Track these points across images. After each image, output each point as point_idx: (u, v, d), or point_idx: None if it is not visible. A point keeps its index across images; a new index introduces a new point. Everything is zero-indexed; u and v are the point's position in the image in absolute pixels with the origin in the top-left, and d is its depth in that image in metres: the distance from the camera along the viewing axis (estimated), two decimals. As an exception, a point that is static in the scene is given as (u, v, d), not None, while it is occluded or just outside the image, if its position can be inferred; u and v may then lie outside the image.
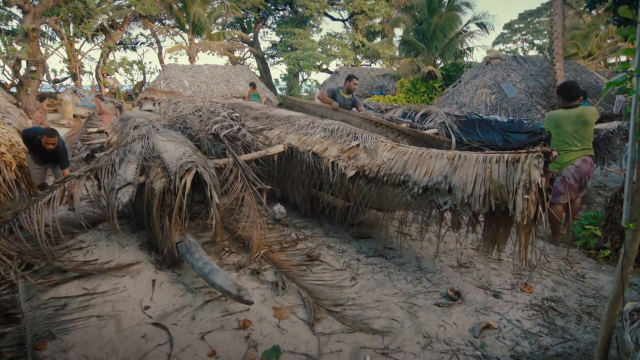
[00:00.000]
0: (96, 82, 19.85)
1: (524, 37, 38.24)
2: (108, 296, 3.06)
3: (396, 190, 3.50)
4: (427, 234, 4.39)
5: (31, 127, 5.41)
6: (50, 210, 3.49)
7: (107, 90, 18.46)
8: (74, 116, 14.00)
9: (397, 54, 21.29)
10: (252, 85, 13.89)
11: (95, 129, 7.01)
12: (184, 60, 40.88)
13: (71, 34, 17.75)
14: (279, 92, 24.81)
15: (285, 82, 24.69)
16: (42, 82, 17.06)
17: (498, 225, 3.05)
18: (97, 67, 19.57)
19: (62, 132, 11.55)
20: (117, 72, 20.35)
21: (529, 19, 37.39)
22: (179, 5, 20.90)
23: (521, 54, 30.07)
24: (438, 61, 17.17)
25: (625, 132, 5.36)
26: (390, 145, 3.87)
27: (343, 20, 28.54)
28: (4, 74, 16.54)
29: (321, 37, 27.15)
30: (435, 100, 14.42)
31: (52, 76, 19.20)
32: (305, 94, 22.21)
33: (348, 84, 6.20)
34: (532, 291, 3.21)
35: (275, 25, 27.54)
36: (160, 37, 23.93)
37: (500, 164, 2.85)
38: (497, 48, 38.20)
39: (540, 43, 33.06)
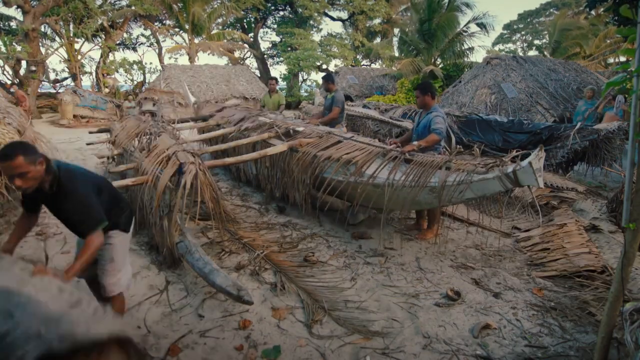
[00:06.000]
0: (96, 82, 19.84)
1: (524, 37, 38.24)
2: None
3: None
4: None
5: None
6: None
7: (107, 90, 18.45)
8: (74, 116, 13.98)
9: (397, 53, 21.28)
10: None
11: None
12: (184, 60, 40.85)
13: (71, 34, 17.72)
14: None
15: (285, 82, 24.66)
16: (42, 82, 17.05)
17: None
18: (97, 67, 19.55)
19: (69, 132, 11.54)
20: (117, 72, 20.33)
21: (528, 19, 37.40)
22: (179, 5, 20.89)
23: (521, 54, 30.04)
24: (438, 61, 17.18)
25: (625, 132, 5.36)
26: None
27: (343, 21, 28.54)
28: (4, 74, 16.54)
29: (321, 37, 27.14)
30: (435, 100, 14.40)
31: (53, 76, 19.19)
32: (305, 94, 22.20)
33: (324, 84, 6.24)
34: (542, 295, 3.17)
35: (275, 26, 27.51)
36: (161, 37, 23.90)
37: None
38: (496, 48, 38.20)
39: (540, 43, 33.06)
